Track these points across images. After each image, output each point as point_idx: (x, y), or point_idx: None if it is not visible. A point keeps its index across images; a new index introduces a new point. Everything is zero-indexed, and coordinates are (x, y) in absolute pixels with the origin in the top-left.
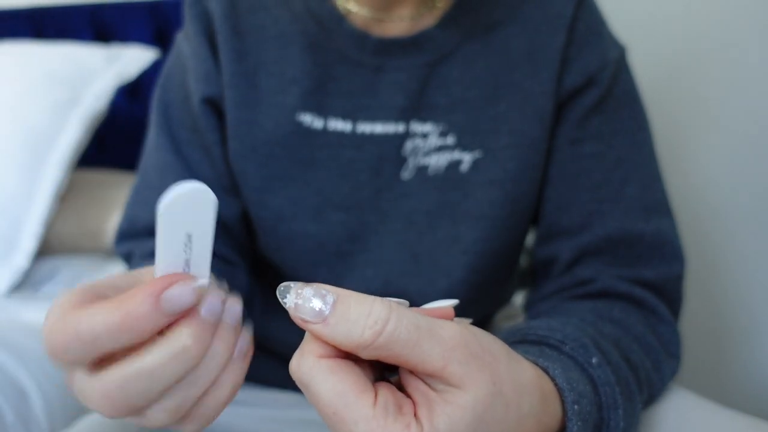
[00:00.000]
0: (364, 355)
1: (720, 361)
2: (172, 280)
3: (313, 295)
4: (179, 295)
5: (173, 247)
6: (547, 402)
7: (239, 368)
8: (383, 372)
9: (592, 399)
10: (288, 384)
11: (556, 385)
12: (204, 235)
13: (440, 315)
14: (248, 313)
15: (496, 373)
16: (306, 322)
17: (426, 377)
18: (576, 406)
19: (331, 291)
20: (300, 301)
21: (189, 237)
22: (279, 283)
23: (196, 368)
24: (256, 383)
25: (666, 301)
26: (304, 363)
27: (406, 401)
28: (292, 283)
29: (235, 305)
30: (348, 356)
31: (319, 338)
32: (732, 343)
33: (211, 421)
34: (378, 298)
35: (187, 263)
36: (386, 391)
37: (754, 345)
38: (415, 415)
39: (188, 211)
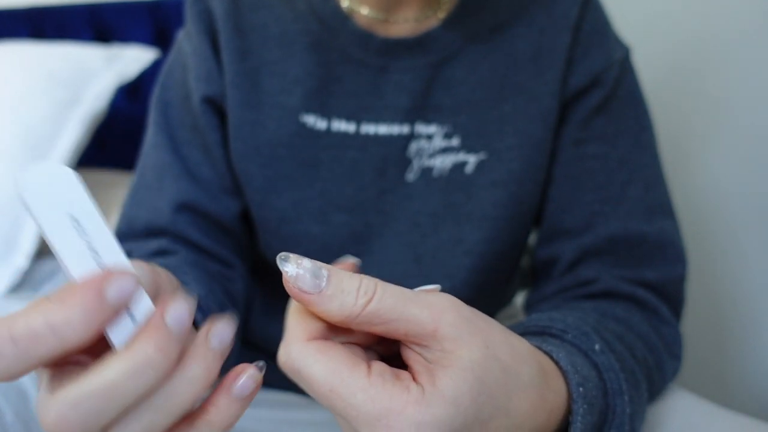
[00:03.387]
0: (356, 325)
1: (721, 363)
2: (106, 275)
3: (311, 268)
4: (120, 283)
5: (61, 231)
6: (549, 377)
7: (233, 407)
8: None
9: (597, 384)
10: (288, 385)
11: (560, 369)
12: (90, 215)
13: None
14: (248, 314)
15: (490, 338)
16: (303, 292)
17: (420, 348)
18: (581, 389)
19: (324, 266)
20: (301, 271)
21: (74, 219)
22: (279, 285)
23: (163, 388)
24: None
25: (668, 303)
26: (292, 350)
27: (404, 372)
28: (290, 254)
29: (224, 328)
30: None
31: (303, 323)
32: (733, 344)
33: None
34: (364, 276)
35: (91, 248)
36: (380, 364)
37: (755, 346)
38: (414, 380)
39: (54, 193)
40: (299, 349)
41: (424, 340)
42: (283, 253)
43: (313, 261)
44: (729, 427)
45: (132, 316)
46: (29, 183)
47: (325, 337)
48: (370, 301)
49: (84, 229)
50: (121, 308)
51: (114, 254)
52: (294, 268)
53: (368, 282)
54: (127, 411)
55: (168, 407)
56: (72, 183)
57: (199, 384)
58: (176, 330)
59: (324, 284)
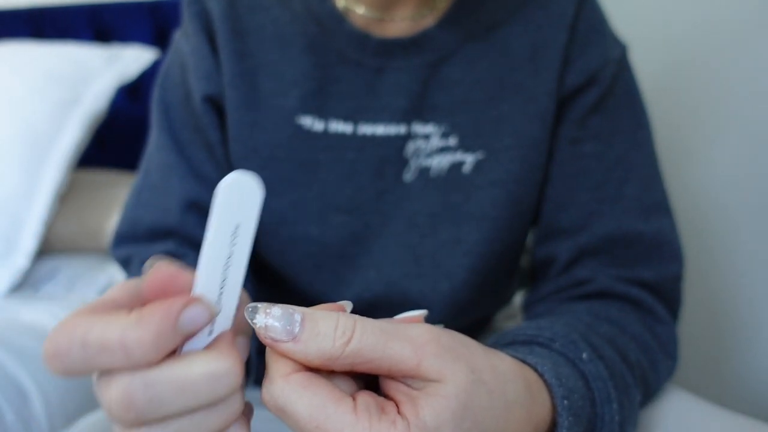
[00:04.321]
0: (337, 366)
1: (718, 362)
2: (189, 299)
3: (282, 315)
4: (194, 313)
5: (221, 237)
6: (534, 391)
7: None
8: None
9: (585, 394)
10: None
11: (545, 381)
12: (248, 231)
13: (410, 321)
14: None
15: (473, 362)
16: (276, 341)
17: (405, 379)
18: (566, 401)
19: (297, 309)
20: (270, 321)
21: (237, 228)
22: (280, 288)
23: (215, 405)
24: (258, 385)
25: (664, 302)
26: (275, 387)
27: (388, 402)
28: (259, 304)
29: (244, 343)
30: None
31: (284, 357)
32: (730, 344)
33: None
34: (342, 313)
35: (230, 258)
36: (365, 396)
37: (752, 346)
38: (399, 413)
39: (241, 200)
40: (281, 386)
41: (408, 374)
42: (251, 305)
43: (284, 306)
44: (727, 427)
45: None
46: (226, 186)
47: (304, 370)
48: (349, 341)
49: (237, 240)
50: (192, 335)
51: (240, 270)
52: (263, 318)
53: (346, 321)
54: (180, 414)
55: (209, 424)
56: (255, 195)
57: (238, 407)
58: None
59: (297, 330)
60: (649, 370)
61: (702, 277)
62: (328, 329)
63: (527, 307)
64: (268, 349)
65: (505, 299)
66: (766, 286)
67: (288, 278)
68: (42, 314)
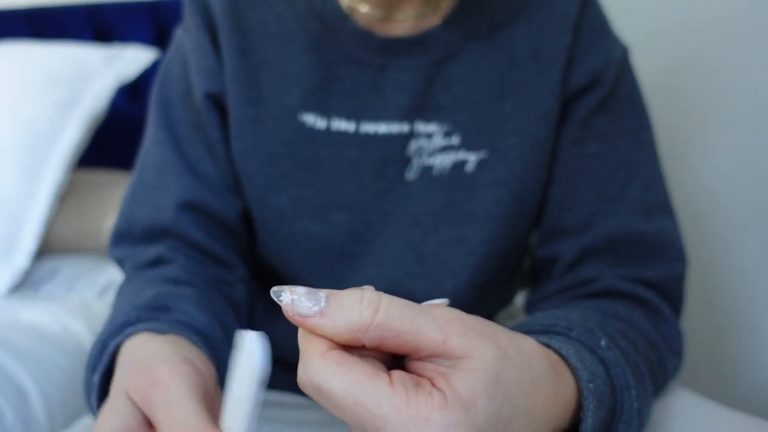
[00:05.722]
0: (366, 339)
1: (721, 361)
2: None
3: (307, 292)
4: None
5: (251, 399)
6: (558, 370)
7: None
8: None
9: (605, 380)
10: (291, 387)
11: (569, 365)
12: (262, 386)
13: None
14: (251, 319)
15: (497, 340)
16: (303, 317)
17: (432, 359)
18: (591, 385)
19: (320, 290)
20: (296, 297)
21: (258, 385)
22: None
23: None
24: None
25: (668, 301)
26: (310, 367)
27: (422, 379)
28: (283, 286)
29: None
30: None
31: (316, 338)
32: (733, 342)
33: None
34: (366, 290)
35: (254, 415)
36: (399, 373)
37: (754, 345)
38: (433, 386)
39: (262, 360)
40: (316, 364)
41: (435, 351)
42: (275, 287)
43: (308, 288)
44: (730, 426)
45: None
46: (261, 347)
47: (338, 348)
48: (376, 311)
49: (257, 396)
50: None
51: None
52: (288, 296)
53: (371, 294)
54: None
55: None
56: (266, 353)
57: None
58: None
59: (323, 304)
60: (657, 365)
61: (704, 276)
62: (354, 302)
63: (530, 307)
64: (300, 333)
65: (507, 299)
66: (766, 284)
67: (288, 277)
68: (42, 314)
